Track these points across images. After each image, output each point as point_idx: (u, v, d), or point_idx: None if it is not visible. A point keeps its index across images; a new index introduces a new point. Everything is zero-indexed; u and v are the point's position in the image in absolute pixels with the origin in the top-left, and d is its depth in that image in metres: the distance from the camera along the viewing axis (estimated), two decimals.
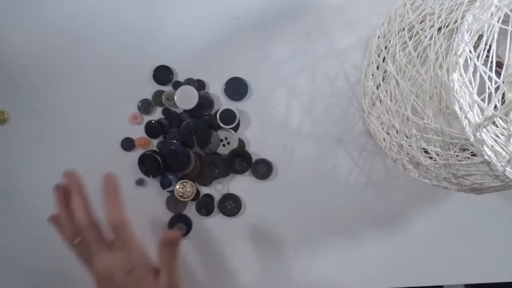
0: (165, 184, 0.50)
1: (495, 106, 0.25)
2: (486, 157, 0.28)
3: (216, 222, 0.52)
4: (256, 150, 0.50)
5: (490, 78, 0.26)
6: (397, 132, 0.39)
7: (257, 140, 0.50)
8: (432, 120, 0.35)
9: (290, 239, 0.52)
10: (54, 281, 0.54)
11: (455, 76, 0.28)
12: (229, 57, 0.49)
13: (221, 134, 0.49)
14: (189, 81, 0.49)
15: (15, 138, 0.51)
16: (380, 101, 0.39)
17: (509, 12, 0.27)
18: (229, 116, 0.49)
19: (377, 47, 0.41)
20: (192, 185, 0.50)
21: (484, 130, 0.26)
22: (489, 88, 0.27)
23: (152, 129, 0.50)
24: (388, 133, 0.41)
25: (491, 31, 0.27)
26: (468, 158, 0.36)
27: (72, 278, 0.53)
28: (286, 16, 0.48)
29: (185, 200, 0.50)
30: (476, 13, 0.28)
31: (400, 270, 0.53)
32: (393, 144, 0.40)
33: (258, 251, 0.52)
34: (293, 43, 0.48)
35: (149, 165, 0.49)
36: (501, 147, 0.26)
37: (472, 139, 0.28)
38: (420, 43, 0.36)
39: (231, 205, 0.51)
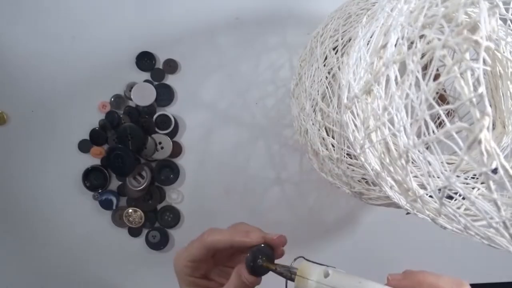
0: (106, 205, 0.50)
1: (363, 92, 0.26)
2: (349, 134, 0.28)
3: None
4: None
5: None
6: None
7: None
8: (336, 110, 0.35)
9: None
10: (53, 282, 0.53)
11: (345, 59, 0.29)
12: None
13: (157, 138, 0.49)
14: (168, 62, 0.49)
15: (15, 139, 0.50)
16: (300, 81, 0.40)
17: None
18: (165, 122, 0.49)
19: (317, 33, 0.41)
20: (141, 215, 0.50)
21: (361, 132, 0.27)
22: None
23: (95, 137, 0.49)
24: (300, 115, 0.42)
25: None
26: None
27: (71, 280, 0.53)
28: (286, 16, 0.49)
29: (136, 226, 0.50)
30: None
31: (399, 271, 0.52)
32: (301, 127, 0.41)
33: None
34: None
35: (94, 180, 0.49)
36: (357, 130, 0.27)
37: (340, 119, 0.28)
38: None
39: (169, 217, 0.51)
